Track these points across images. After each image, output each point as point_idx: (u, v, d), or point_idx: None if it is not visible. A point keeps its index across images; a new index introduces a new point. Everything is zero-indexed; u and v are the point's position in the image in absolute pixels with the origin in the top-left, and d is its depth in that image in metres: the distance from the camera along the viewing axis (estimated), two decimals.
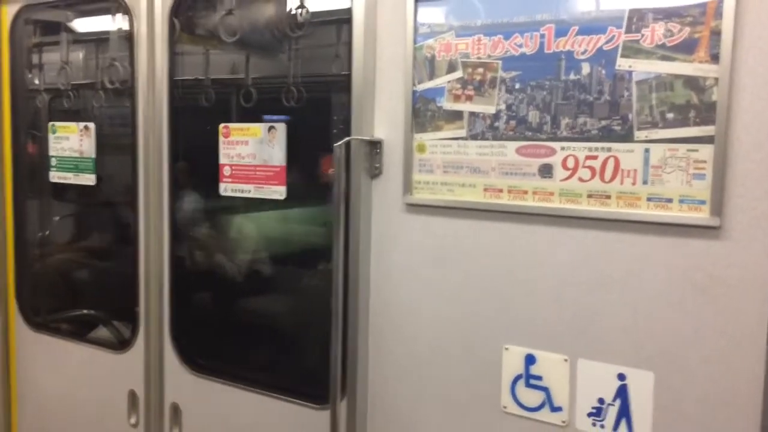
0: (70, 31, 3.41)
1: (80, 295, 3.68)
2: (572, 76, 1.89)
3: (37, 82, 3.52)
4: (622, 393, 1.92)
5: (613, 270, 1.90)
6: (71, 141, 3.26)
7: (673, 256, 1.81)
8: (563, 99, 1.91)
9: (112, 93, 3.20)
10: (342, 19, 2.38)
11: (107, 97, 3.24)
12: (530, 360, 2.06)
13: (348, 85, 2.31)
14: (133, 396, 3.11)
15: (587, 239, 1.93)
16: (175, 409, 2.99)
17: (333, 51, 2.60)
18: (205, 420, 2.92)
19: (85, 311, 3.52)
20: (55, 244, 3.77)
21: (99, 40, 3.31)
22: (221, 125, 2.71)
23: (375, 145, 2.27)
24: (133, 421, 3.12)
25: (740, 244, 1.72)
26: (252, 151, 2.64)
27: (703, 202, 1.75)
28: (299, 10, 2.57)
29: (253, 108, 2.78)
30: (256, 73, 2.89)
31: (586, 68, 1.87)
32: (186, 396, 2.96)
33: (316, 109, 2.78)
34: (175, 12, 2.81)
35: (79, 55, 3.46)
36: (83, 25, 3.41)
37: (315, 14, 2.56)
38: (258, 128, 2.62)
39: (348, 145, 2.26)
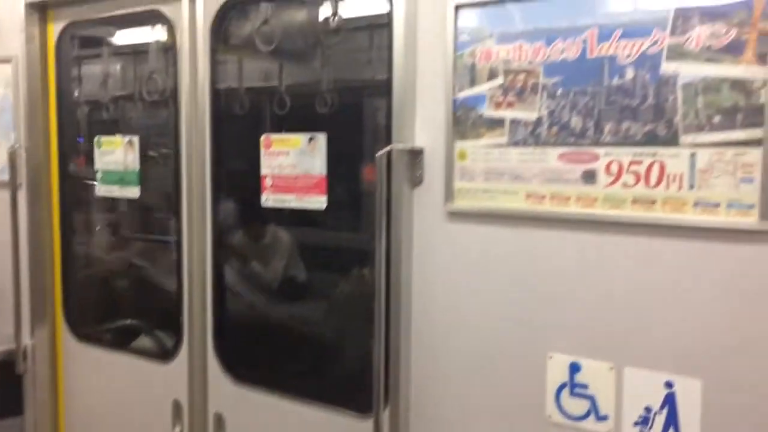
0: (112, 45, 3.48)
1: (125, 305, 3.73)
2: (616, 81, 1.87)
3: (76, 94, 3.59)
4: (669, 401, 1.89)
5: (659, 277, 1.87)
6: (116, 154, 3.31)
7: (721, 262, 1.78)
8: (606, 104, 1.90)
9: (153, 105, 3.26)
10: (379, 24, 2.40)
11: (148, 108, 3.29)
12: (575, 368, 2.04)
13: (389, 93, 2.32)
14: (177, 406, 3.14)
15: (632, 245, 1.90)
16: (219, 419, 3.01)
17: (370, 56, 2.61)
18: (248, 429, 2.93)
19: (129, 321, 3.56)
20: (98, 256, 3.82)
21: (140, 52, 3.37)
22: (262, 136, 2.73)
23: (416, 154, 2.27)
24: (177, 430, 3.15)
25: None
26: (293, 162, 2.66)
27: (752, 207, 1.72)
28: (332, 17, 2.59)
29: (291, 116, 2.80)
30: (293, 80, 2.92)
31: (630, 72, 1.85)
32: (229, 406, 2.98)
33: (356, 117, 2.79)
34: (215, 24, 2.85)
35: (120, 67, 3.53)
36: (125, 38, 3.48)
37: (349, 21, 2.59)
38: (298, 139, 2.64)
39: (389, 153, 2.26)
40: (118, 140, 3.31)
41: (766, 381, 1.75)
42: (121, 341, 3.46)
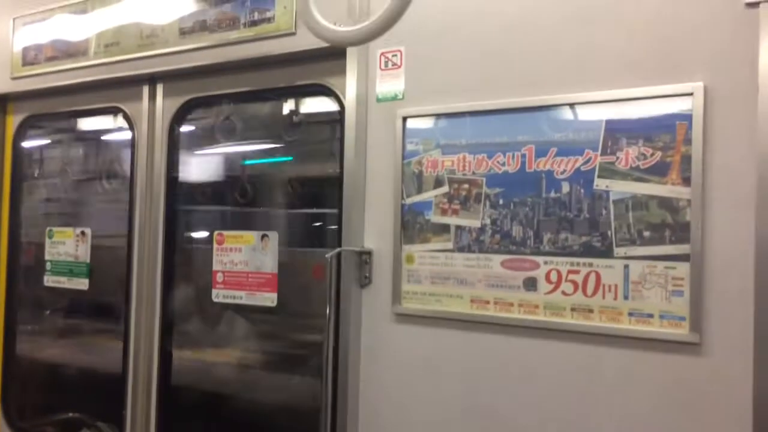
0: (71, 135, 3.53)
1: (66, 397, 3.64)
2: (553, 194, 1.97)
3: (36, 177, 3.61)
4: None
5: (597, 384, 1.91)
6: (67, 245, 3.31)
7: (656, 372, 1.83)
8: (545, 215, 1.98)
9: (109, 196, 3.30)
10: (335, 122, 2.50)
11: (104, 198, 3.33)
12: None
13: (339, 198, 2.39)
14: None
15: (572, 352, 1.95)
16: None
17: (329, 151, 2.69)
18: None
19: (71, 414, 3.47)
20: (42, 347, 3.76)
21: (99, 144, 3.43)
22: (216, 232, 2.77)
23: (365, 256, 2.32)
24: None
25: (721, 360, 1.75)
26: (245, 258, 2.70)
27: (683, 318, 1.79)
28: (294, 116, 2.68)
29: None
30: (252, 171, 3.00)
31: (565, 187, 1.95)
32: None
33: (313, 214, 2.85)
34: (175, 119, 2.92)
35: (78, 157, 3.57)
36: (84, 131, 3.52)
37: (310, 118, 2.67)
38: (251, 236, 2.69)
39: (339, 255, 2.31)
40: (69, 231, 3.32)
41: None
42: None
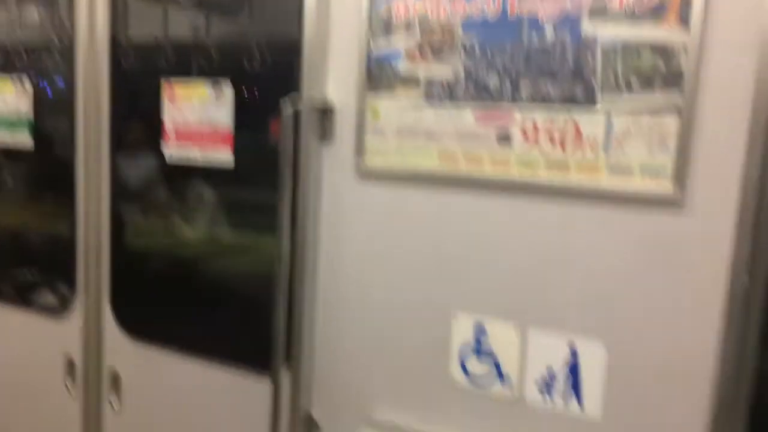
0: None
1: (19, 257, 3.54)
2: (535, 41, 1.83)
3: None
4: (572, 365, 1.90)
5: (571, 243, 1.86)
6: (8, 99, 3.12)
7: (633, 230, 1.77)
8: (525, 64, 1.85)
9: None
10: None
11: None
12: (480, 330, 2.02)
13: (298, 47, 2.22)
14: (70, 363, 3.01)
15: (545, 211, 1.88)
16: (115, 377, 2.90)
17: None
18: (145, 388, 2.84)
19: (25, 273, 3.38)
20: None
21: None
22: (164, 83, 2.60)
23: (327, 110, 2.19)
24: (70, 388, 3.02)
25: (702, 219, 1.69)
26: (198, 114, 2.54)
27: (665, 174, 1.71)
28: None
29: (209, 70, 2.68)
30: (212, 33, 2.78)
31: (549, 32, 1.81)
32: (125, 363, 2.88)
33: (272, 72, 2.68)
34: None
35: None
36: None
37: None
38: (204, 88, 2.52)
39: (297, 108, 2.17)
40: (8, 84, 3.11)
41: (670, 347, 1.77)
42: (16, 294, 3.29)
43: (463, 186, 2.00)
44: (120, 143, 2.84)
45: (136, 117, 2.89)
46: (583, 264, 1.85)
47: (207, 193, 2.86)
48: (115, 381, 2.91)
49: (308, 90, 2.20)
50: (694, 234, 1.71)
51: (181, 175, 2.87)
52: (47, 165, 3.32)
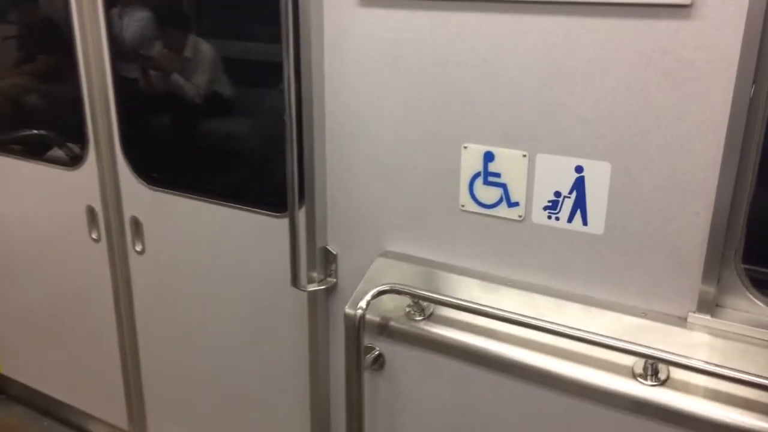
0: None
1: (30, 117, 3.55)
2: None
3: None
4: (578, 185, 1.89)
5: (575, 59, 1.80)
6: None
7: (640, 40, 1.71)
8: None
9: None
10: None
11: None
12: (489, 157, 2.02)
13: None
14: (91, 211, 3.08)
15: (549, 26, 1.82)
16: (136, 223, 2.97)
17: None
18: (166, 232, 2.91)
19: (35, 132, 3.40)
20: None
21: None
22: None
23: None
24: (94, 236, 3.11)
25: (712, 23, 1.61)
26: None
27: None
28: None
29: None
30: None
31: None
32: (145, 209, 2.94)
33: None
34: None
35: None
36: None
37: None
38: None
39: None
40: None
41: (674, 159, 1.75)
42: (31, 152, 3.33)
43: (465, 6, 1.93)
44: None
45: None
46: (590, 80, 1.80)
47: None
48: (137, 226, 2.98)
49: None
50: (702, 41, 1.64)
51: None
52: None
